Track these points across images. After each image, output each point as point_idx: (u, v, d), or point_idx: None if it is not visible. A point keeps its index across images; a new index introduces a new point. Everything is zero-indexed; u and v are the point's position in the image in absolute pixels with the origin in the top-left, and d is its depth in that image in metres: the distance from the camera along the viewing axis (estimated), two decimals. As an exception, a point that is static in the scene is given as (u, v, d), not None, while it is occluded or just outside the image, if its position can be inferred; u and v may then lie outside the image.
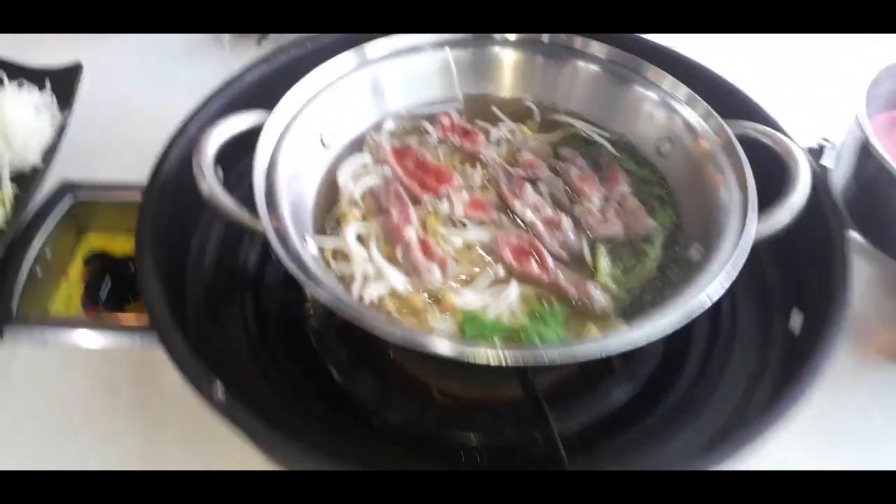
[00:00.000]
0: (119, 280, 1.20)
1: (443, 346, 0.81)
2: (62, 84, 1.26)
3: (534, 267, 0.99)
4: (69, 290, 1.20)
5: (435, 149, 1.15)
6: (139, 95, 1.40)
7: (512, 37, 1.18)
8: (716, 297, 0.87)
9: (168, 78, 1.46)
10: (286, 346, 1.03)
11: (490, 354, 0.81)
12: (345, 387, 1.02)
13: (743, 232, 0.92)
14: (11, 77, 1.25)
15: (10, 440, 0.98)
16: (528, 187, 1.09)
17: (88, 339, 1.08)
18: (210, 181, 0.93)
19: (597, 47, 1.16)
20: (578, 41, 1.16)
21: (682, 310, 0.87)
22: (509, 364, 0.81)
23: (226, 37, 1.53)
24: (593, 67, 1.16)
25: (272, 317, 1.05)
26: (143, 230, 0.97)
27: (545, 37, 1.17)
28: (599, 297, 0.96)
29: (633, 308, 0.97)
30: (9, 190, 1.15)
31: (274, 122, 1.01)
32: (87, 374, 1.04)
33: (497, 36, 1.18)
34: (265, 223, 0.90)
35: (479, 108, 1.20)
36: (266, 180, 0.97)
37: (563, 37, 1.16)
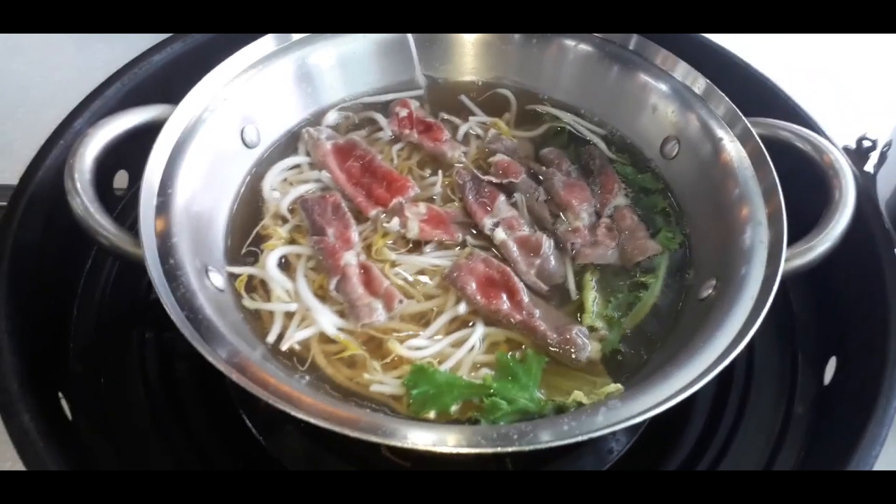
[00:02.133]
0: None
1: (371, 431, 0.61)
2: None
3: (504, 303, 0.78)
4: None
5: (388, 147, 0.93)
6: (45, 77, 1.18)
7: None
8: (732, 357, 0.66)
9: (80, 56, 1.23)
10: (195, 397, 0.82)
11: (438, 441, 0.61)
12: (266, 446, 0.81)
13: (776, 277, 0.70)
14: None
15: None
16: (502, 198, 0.88)
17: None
18: (84, 195, 0.72)
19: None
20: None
21: (692, 372, 0.66)
22: (462, 454, 0.60)
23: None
24: (585, 48, 0.94)
25: (179, 360, 0.84)
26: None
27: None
28: (586, 345, 0.76)
29: (627, 358, 0.76)
30: None
31: (178, 118, 0.80)
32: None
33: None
34: (146, 251, 0.69)
35: (444, 97, 0.98)
36: (161, 192, 0.76)
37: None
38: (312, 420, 0.61)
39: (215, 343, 0.66)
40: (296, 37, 0.90)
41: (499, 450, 0.62)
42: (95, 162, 0.75)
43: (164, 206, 0.76)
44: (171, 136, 0.80)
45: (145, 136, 0.79)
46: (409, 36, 0.94)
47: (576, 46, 0.94)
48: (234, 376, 0.63)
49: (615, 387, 0.71)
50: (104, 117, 0.79)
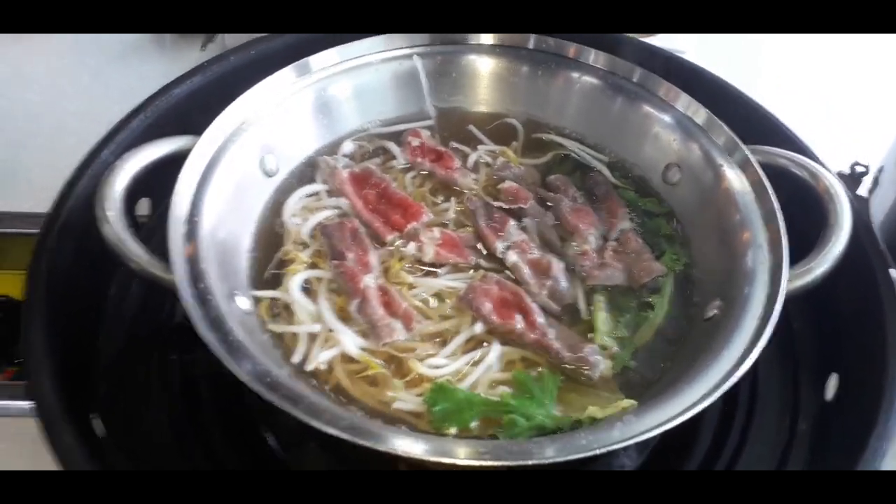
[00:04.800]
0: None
1: (396, 444, 0.64)
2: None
3: (518, 323, 0.81)
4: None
5: (401, 175, 0.97)
6: (60, 106, 1.21)
7: (490, 41, 1.00)
8: (741, 373, 0.70)
9: (95, 86, 1.27)
10: (218, 417, 0.84)
11: (460, 454, 0.64)
12: (290, 465, 0.83)
13: (778, 296, 0.75)
14: None
15: None
16: (512, 223, 0.91)
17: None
18: (114, 224, 0.75)
19: (594, 56, 0.98)
20: (572, 49, 0.98)
21: (702, 388, 0.70)
22: (485, 468, 0.63)
23: (167, 37, 1.34)
24: (590, 80, 0.99)
25: (203, 380, 0.86)
26: (35, 277, 0.79)
27: (531, 42, 0.99)
28: (599, 363, 0.79)
29: (637, 375, 0.80)
30: None
31: (202, 149, 0.84)
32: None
33: (473, 41, 1.00)
34: (176, 276, 0.72)
35: (454, 127, 1.02)
36: (188, 220, 0.79)
37: (552, 43, 0.99)
38: (343, 435, 0.64)
39: (246, 363, 0.69)
40: (314, 69, 0.94)
41: (520, 463, 0.65)
42: (124, 191, 0.78)
43: (191, 234, 0.79)
44: (196, 166, 0.83)
45: (167, 165, 0.83)
46: (420, 68, 0.99)
47: (581, 78, 0.99)
48: (267, 395, 0.65)
49: (629, 402, 0.74)
50: (130, 148, 0.82)
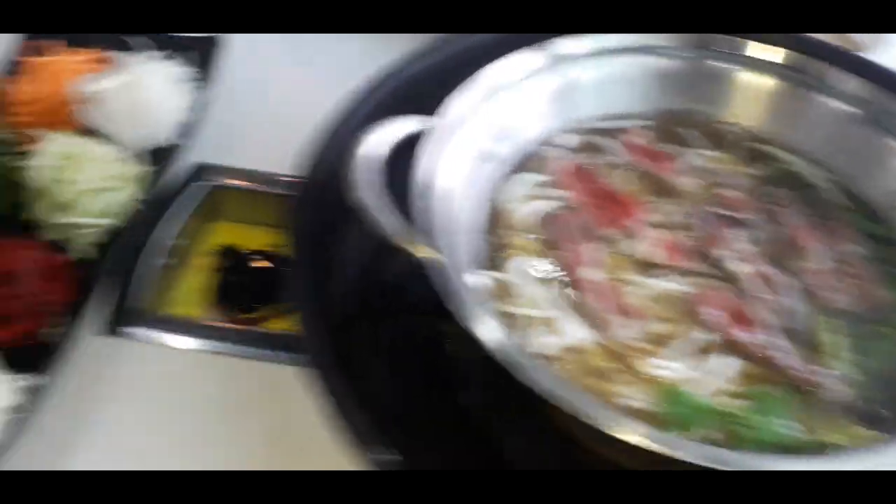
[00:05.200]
0: (253, 279, 1.07)
1: (642, 438, 0.63)
2: (205, 57, 1.15)
3: (746, 336, 0.80)
4: (198, 286, 1.08)
5: (622, 173, 0.97)
6: (285, 75, 1.26)
7: (730, 49, 0.98)
8: None
9: (316, 56, 1.31)
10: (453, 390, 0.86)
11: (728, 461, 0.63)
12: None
13: None
14: (151, 48, 1.14)
15: (118, 456, 0.87)
16: (735, 232, 0.90)
17: (220, 345, 0.96)
18: (366, 191, 0.78)
19: (837, 77, 0.95)
20: (833, 74, 0.95)
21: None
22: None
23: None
24: (829, 100, 0.95)
25: (429, 348, 0.88)
26: (295, 234, 0.86)
27: (776, 56, 0.97)
28: (833, 387, 0.77)
29: (874, 406, 0.76)
30: (142, 169, 1.04)
31: (437, 131, 0.86)
32: (217, 386, 0.92)
33: (715, 47, 0.99)
34: (418, 247, 0.75)
35: (678, 129, 1.01)
36: (424, 195, 0.81)
37: (798, 59, 0.97)
38: (599, 426, 0.64)
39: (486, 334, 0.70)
40: (553, 54, 0.95)
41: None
42: (375, 161, 0.82)
43: (428, 210, 0.80)
44: (431, 145, 0.85)
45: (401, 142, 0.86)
46: (656, 67, 0.98)
47: (820, 97, 0.96)
48: (519, 374, 0.67)
49: (870, 433, 0.72)
50: (371, 122, 0.85)
